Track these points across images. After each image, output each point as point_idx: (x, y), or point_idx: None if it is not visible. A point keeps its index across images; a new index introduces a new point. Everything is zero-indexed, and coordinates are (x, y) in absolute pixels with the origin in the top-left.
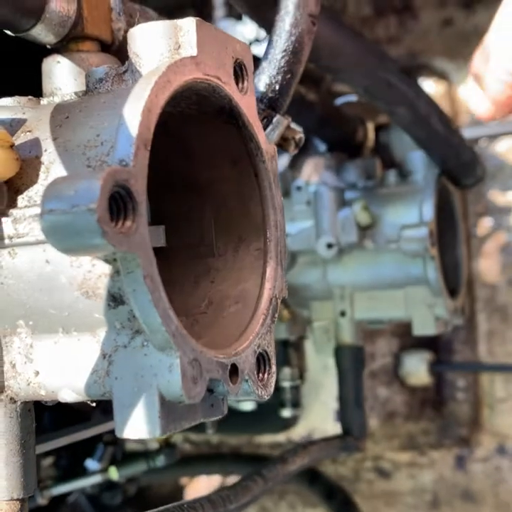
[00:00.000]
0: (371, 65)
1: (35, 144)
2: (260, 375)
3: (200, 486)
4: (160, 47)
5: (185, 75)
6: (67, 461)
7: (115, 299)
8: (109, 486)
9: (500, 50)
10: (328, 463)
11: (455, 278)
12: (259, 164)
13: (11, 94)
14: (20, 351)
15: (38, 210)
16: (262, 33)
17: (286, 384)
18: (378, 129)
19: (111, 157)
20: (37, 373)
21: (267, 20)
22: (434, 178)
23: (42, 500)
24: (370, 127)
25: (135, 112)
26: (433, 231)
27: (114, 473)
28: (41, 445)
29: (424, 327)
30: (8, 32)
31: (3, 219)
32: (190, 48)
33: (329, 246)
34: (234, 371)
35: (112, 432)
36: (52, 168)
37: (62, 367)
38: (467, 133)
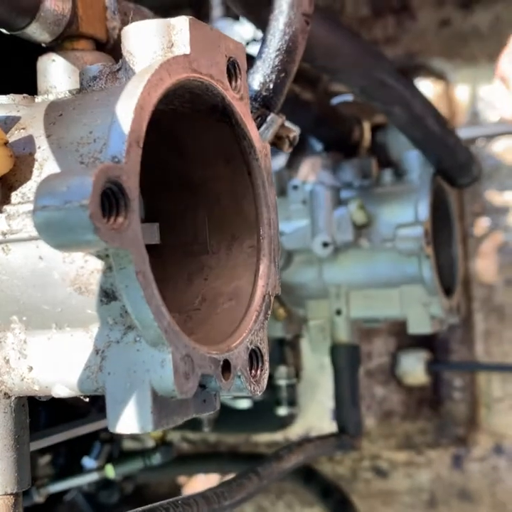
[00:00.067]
0: (367, 65)
1: (29, 141)
2: (253, 371)
3: (198, 484)
4: (153, 45)
5: (178, 73)
6: (64, 459)
7: (108, 295)
8: (106, 484)
9: None
10: (325, 462)
11: (450, 277)
12: (252, 162)
13: (5, 93)
14: (14, 347)
15: (31, 207)
16: (259, 34)
17: (282, 382)
18: (375, 129)
19: (103, 154)
20: (30, 369)
21: (261, 19)
22: (430, 178)
23: (39, 498)
24: (367, 127)
25: (127, 109)
26: (428, 230)
27: (110, 471)
28: (37, 441)
29: (419, 326)
30: (3, 30)
31: None
32: (183, 46)
33: (325, 245)
34: (226, 367)
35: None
36: (45, 165)
37: (56, 362)
38: (464, 133)
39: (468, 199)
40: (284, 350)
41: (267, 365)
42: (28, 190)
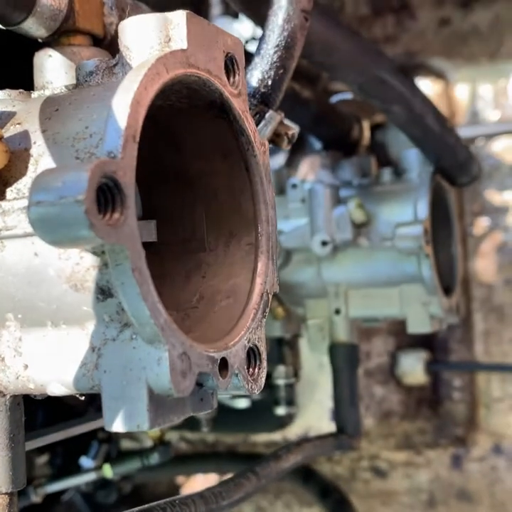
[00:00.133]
0: (366, 63)
1: (25, 136)
2: (250, 369)
3: (196, 484)
4: (150, 40)
5: (175, 67)
6: (61, 458)
7: (103, 292)
8: (103, 484)
9: None
10: (324, 462)
11: (450, 276)
12: (250, 159)
13: (1, 88)
14: (9, 345)
15: (26, 203)
16: (259, 32)
17: (280, 382)
18: (374, 128)
19: (99, 149)
20: (26, 367)
21: (260, 15)
22: (429, 176)
23: (36, 498)
24: (366, 125)
25: (124, 104)
26: (427, 229)
27: (108, 471)
28: (34, 441)
29: (418, 325)
30: None
31: None
32: (180, 41)
33: (324, 244)
34: (224, 365)
35: None
36: (41, 160)
37: (51, 360)
38: (464, 132)
39: (467, 199)
40: (283, 349)
41: (264, 363)
42: (23, 186)
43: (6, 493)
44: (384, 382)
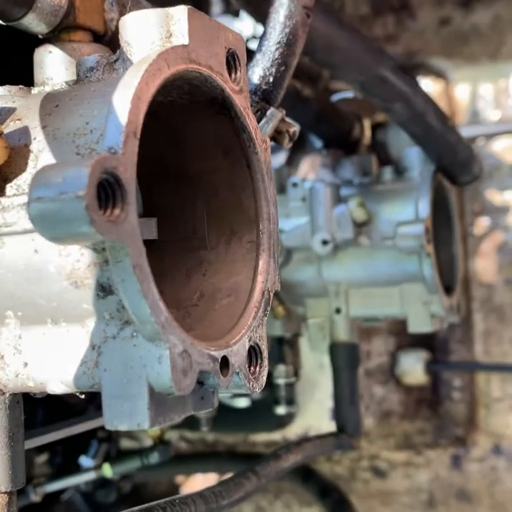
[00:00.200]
0: (367, 61)
1: (25, 132)
2: (252, 368)
3: (196, 484)
4: (151, 35)
5: (177, 63)
6: (61, 458)
7: (104, 289)
8: (103, 483)
9: None
10: (324, 462)
11: (451, 275)
12: (251, 156)
13: (1, 84)
14: (8, 342)
15: (26, 199)
16: (259, 31)
17: (280, 381)
18: (375, 127)
19: (100, 145)
20: (25, 365)
21: (261, 12)
22: (430, 175)
23: (35, 498)
24: (367, 124)
25: (125, 99)
26: (429, 228)
27: (107, 470)
28: (34, 439)
29: (419, 324)
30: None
31: None
32: (181, 36)
33: (324, 242)
34: (225, 364)
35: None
36: (41, 156)
37: (51, 358)
38: (464, 132)
39: (468, 198)
40: (283, 348)
41: (266, 362)
42: (23, 182)
43: (5, 492)
44: (384, 382)
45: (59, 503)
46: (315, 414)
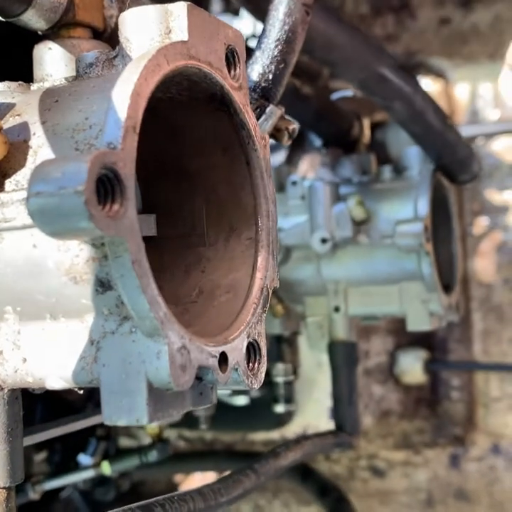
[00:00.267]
0: (367, 59)
1: (24, 127)
2: (250, 364)
3: (194, 483)
4: (151, 31)
5: (176, 59)
6: (59, 456)
7: (103, 285)
8: (102, 481)
9: None
10: (322, 461)
11: (449, 274)
12: (250, 152)
13: (0, 80)
14: (7, 338)
15: (25, 194)
16: (259, 30)
17: (279, 379)
18: (374, 126)
19: (99, 140)
20: (24, 360)
21: (261, 9)
22: (430, 174)
23: (34, 495)
24: (366, 123)
25: (124, 95)
26: (428, 226)
27: (106, 468)
28: (32, 436)
29: (418, 323)
30: None
31: None
32: (181, 32)
33: (323, 241)
34: (223, 360)
35: (104, 425)
36: (40, 151)
37: (50, 353)
38: (464, 131)
39: (467, 198)
40: (282, 347)
41: (264, 358)
42: (22, 177)
43: (3, 488)
44: (383, 382)
45: (58, 501)
46: (313, 413)
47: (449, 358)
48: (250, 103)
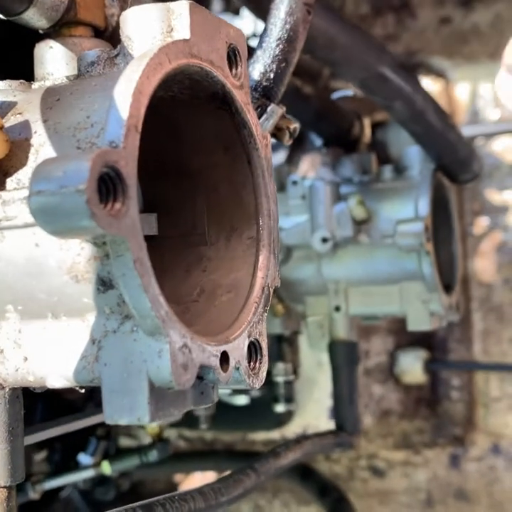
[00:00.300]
0: (368, 58)
1: (25, 126)
2: (251, 363)
3: (195, 483)
4: (152, 30)
5: (178, 57)
6: (59, 455)
7: (104, 283)
8: (102, 481)
9: None
10: (322, 461)
11: (450, 274)
12: (252, 151)
13: (1, 78)
14: (8, 337)
15: (26, 193)
16: (260, 29)
17: (279, 379)
18: (375, 126)
19: (101, 139)
20: (25, 359)
21: (262, 8)
22: (430, 173)
23: (34, 495)
24: (367, 123)
25: (126, 93)
26: (428, 226)
27: (106, 468)
28: (33, 435)
29: (418, 323)
30: (0, 16)
31: None
32: (182, 31)
33: (324, 240)
34: (225, 359)
35: (105, 425)
36: (41, 150)
37: (51, 352)
38: (464, 131)
39: (467, 198)
40: (282, 346)
41: (265, 357)
42: (23, 176)
43: (4, 487)
44: (383, 381)
45: (58, 501)
46: (314, 412)
47: (449, 358)
48: (251, 102)
